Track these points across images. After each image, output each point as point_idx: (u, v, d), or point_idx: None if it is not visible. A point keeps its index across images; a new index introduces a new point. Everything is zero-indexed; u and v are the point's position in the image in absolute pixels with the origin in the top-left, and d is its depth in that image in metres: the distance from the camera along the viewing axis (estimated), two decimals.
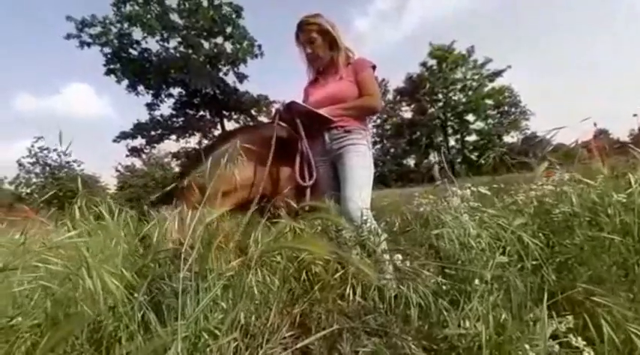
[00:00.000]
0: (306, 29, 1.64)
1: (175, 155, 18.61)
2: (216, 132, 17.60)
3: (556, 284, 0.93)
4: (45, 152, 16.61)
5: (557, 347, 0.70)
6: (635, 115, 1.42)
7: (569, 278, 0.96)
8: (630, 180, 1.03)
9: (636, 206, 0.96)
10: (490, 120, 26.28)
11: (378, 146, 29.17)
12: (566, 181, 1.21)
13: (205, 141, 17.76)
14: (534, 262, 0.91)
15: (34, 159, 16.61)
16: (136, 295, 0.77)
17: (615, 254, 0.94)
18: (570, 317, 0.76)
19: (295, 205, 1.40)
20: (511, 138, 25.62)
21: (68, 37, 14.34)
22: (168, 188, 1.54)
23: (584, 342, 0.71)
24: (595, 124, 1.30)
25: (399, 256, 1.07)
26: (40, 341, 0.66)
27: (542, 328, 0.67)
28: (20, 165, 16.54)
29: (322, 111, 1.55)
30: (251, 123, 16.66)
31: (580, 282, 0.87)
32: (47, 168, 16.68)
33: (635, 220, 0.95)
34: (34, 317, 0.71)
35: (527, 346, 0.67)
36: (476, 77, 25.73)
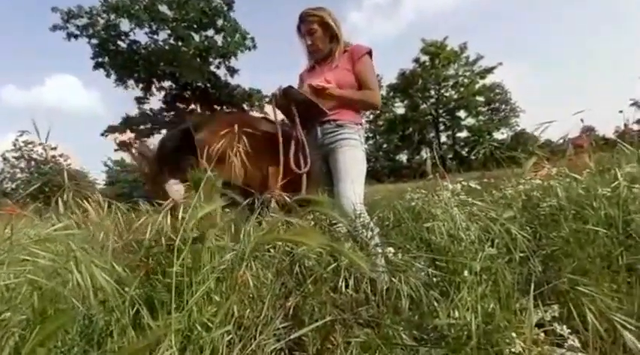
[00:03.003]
0: (307, 20, 1.63)
1: None
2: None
3: (542, 275, 0.95)
4: (30, 146, 16.17)
5: (542, 334, 0.72)
6: (620, 112, 1.45)
7: (555, 269, 0.99)
8: (617, 174, 1.06)
9: (620, 199, 1.00)
10: (481, 117, 26.64)
11: (371, 142, 29.26)
12: (553, 176, 1.23)
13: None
14: (522, 254, 0.94)
15: (18, 154, 16.17)
16: (127, 289, 0.76)
17: (600, 246, 0.97)
18: (556, 306, 0.78)
19: (288, 198, 1.38)
20: (501, 134, 26.07)
21: (54, 28, 13.88)
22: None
23: (569, 330, 0.74)
24: (582, 120, 1.33)
25: (391, 249, 1.08)
26: (28, 336, 0.65)
27: (528, 317, 0.69)
28: (5, 159, 16.08)
29: (319, 102, 1.52)
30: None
31: (565, 273, 0.90)
32: (32, 163, 16.26)
33: (619, 213, 0.98)
34: (22, 311, 0.70)
35: (513, 334, 0.69)
36: (467, 74, 25.96)
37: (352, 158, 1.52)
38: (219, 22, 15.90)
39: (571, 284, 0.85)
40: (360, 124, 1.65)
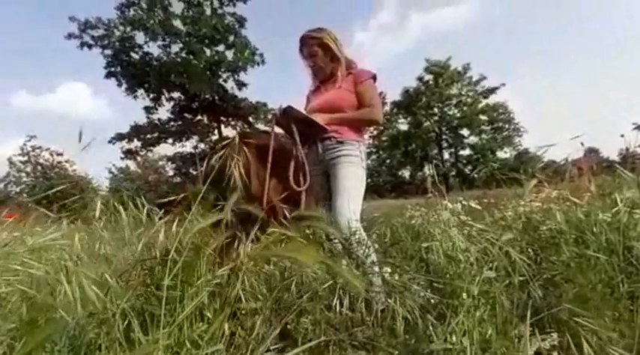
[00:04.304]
0: (308, 43, 1.70)
1: (170, 158, 18.50)
2: (213, 138, 17.57)
3: (542, 300, 0.93)
4: (37, 151, 16.35)
5: None
6: (622, 136, 1.45)
7: (556, 295, 0.96)
8: (616, 199, 1.05)
9: (621, 225, 0.98)
10: (484, 136, 26.68)
11: (374, 157, 29.31)
12: (552, 199, 1.23)
13: (202, 146, 17.71)
14: (521, 278, 0.92)
15: (25, 158, 16.33)
16: (118, 302, 0.75)
17: (601, 272, 0.95)
18: (555, 335, 0.76)
19: (287, 213, 1.38)
20: (504, 153, 25.99)
21: (69, 36, 14.38)
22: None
23: None
24: (582, 144, 1.33)
25: (388, 269, 1.06)
26: (17, 346, 0.64)
27: (525, 345, 0.67)
28: (11, 163, 16.23)
29: (318, 120, 1.56)
30: (248, 130, 16.64)
31: (566, 300, 0.88)
32: (39, 168, 16.40)
33: (619, 239, 0.96)
34: (12, 320, 0.69)
35: None
36: (471, 93, 26.23)
37: (351, 174, 1.53)
38: (231, 38, 16.38)
39: (571, 314, 0.83)
40: (362, 141, 1.66)
